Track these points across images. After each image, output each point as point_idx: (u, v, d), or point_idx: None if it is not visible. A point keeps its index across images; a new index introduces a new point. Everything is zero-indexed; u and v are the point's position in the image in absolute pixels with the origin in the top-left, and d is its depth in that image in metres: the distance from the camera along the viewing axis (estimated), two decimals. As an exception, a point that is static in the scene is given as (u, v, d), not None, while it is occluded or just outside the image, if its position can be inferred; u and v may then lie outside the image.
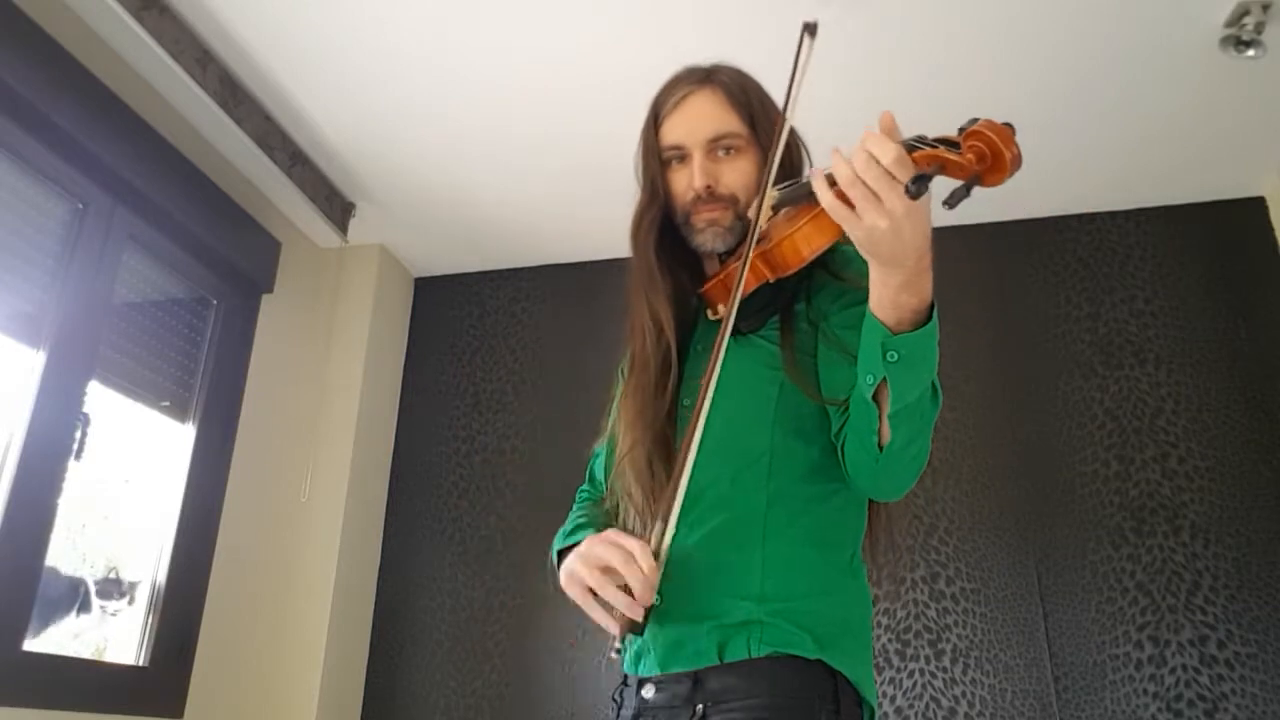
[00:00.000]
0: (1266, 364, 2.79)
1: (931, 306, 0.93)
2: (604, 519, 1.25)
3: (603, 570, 1.02)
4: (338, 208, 3.05)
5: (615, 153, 2.75)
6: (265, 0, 2.27)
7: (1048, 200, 3.02)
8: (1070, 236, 3.06)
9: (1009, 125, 0.86)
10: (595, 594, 1.04)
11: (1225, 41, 2.30)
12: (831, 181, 0.90)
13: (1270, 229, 2.91)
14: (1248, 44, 2.26)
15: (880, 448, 1.00)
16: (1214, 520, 2.66)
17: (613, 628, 1.03)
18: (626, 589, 1.00)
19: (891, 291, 0.91)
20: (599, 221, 3.11)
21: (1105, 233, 3.04)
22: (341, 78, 2.53)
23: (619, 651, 1.04)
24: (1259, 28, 2.23)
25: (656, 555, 1.01)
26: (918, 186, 0.83)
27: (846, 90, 2.49)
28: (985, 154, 0.85)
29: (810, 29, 1.08)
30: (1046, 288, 3.01)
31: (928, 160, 0.87)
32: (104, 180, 2.28)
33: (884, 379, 0.94)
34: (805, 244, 1.05)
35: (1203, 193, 2.98)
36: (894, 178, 0.85)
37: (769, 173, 1.09)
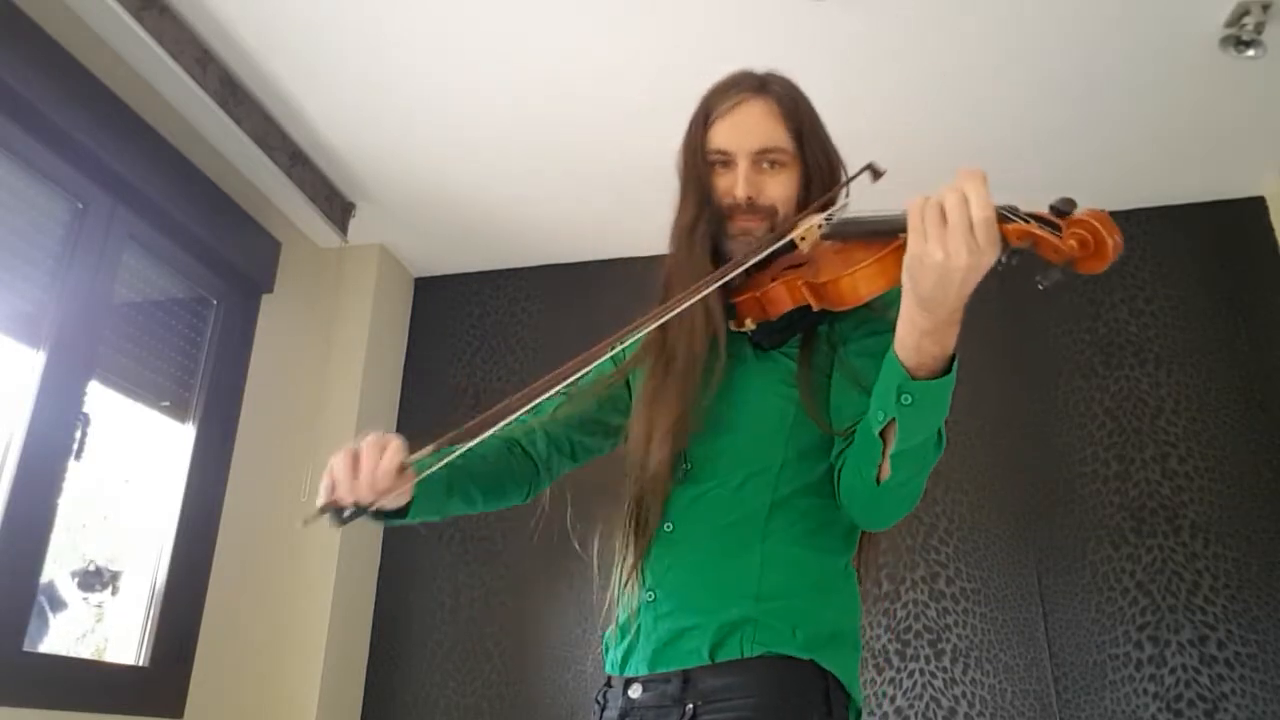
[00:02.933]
0: (1266, 364, 2.79)
1: (953, 358, 0.94)
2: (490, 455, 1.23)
3: (352, 452, 1.02)
4: (338, 208, 3.05)
5: (616, 153, 2.78)
6: (265, 0, 2.27)
7: (1048, 200, 3.01)
8: (1070, 236, 3.05)
9: (1107, 214, 0.85)
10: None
11: (1225, 41, 2.30)
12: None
13: (1270, 229, 2.91)
14: (1248, 44, 2.26)
15: (877, 482, 1.01)
16: (1214, 520, 2.66)
17: (320, 499, 1.02)
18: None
19: (917, 334, 0.92)
20: (599, 221, 3.11)
21: (1105, 233, 3.04)
22: (342, 78, 2.53)
23: (306, 524, 1.03)
24: (1259, 28, 2.23)
25: (420, 468, 1.02)
26: (1010, 261, 0.83)
27: (850, 90, 2.50)
28: (1089, 242, 0.84)
29: (875, 174, 1.12)
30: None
31: (1020, 236, 0.86)
32: (104, 180, 2.28)
33: (893, 419, 0.95)
34: (866, 285, 1.03)
35: (1203, 193, 2.98)
36: (972, 232, 0.85)
37: (823, 200, 1.12)
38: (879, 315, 1.11)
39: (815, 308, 1.10)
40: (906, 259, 0.90)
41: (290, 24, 2.34)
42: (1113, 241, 0.84)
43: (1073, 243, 0.84)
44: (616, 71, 2.46)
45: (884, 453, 0.99)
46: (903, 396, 0.93)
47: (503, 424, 1.04)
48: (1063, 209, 0.87)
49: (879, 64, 2.44)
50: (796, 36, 2.33)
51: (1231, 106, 2.58)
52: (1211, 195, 2.99)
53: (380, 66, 2.48)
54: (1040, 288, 0.83)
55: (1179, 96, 2.55)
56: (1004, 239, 0.86)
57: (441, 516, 1.19)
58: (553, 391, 1.07)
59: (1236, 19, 2.24)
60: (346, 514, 1.02)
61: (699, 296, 1.09)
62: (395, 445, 1.02)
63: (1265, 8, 2.21)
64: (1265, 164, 2.84)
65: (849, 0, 2.22)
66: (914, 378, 0.92)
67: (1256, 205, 2.96)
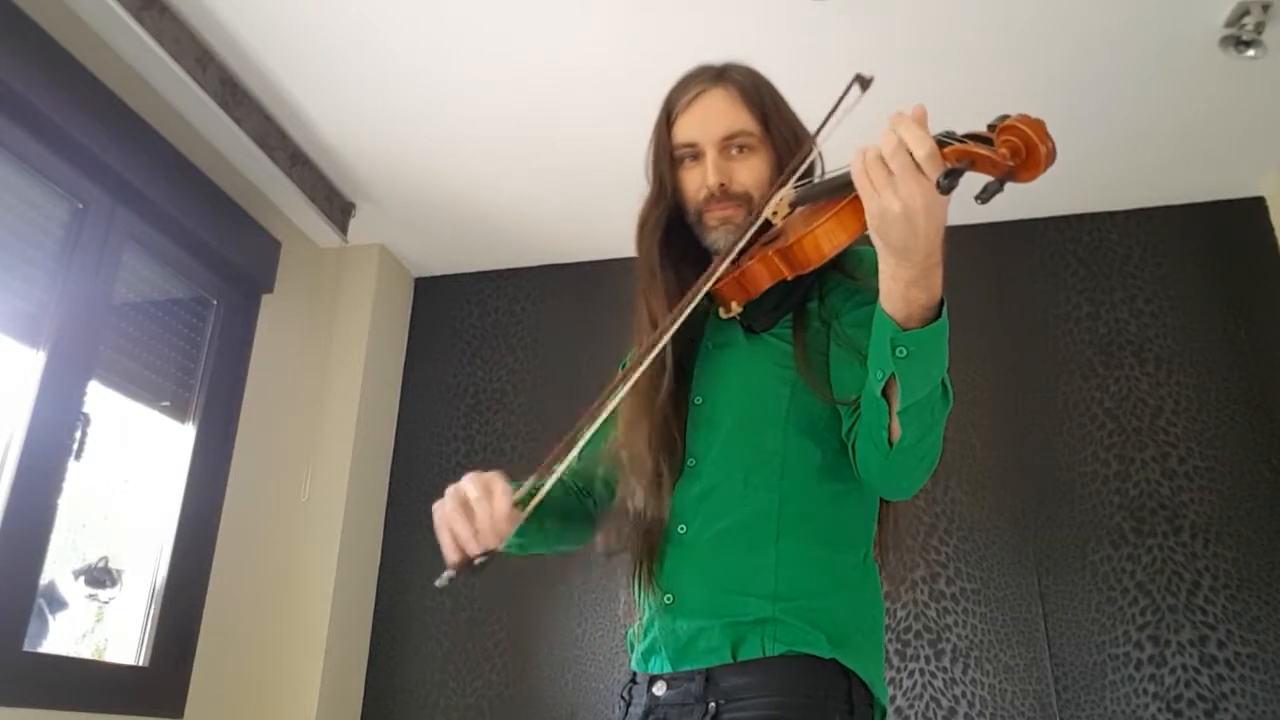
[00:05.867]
0: (1266, 364, 2.79)
1: (941, 303, 0.93)
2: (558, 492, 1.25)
3: (462, 503, 1.03)
4: (338, 208, 3.05)
5: (615, 153, 2.77)
6: (265, 1, 2.27)
7: (1048, 200, 3.02)
8: (1070, 236, 3.06)
9: (1040, 120, 0.85)
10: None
11: (1225, 41, 2.30)
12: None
13: (1270, 229, 2.91)
14: (1248, 44, 2.26)
15: (890, 444, 0.99)
16: (1214, 520, 2.66)
17: (451, 557, 1.03)
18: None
19: (901, 286, 0.91)
20: (599, 221, 3.11)
21: (1105, 233, 3.04)
22: (341, 78, 2.53)
23: (443, 582, 1.02)
24: (1259, 28, 2.23)
25: (523, 504, 1.03)
26: (949, 181, 0.82)
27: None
28: (1020, 149, 0.85)
29: (863, 82, 1.09)
30: (1046, 288, 3.01)
31: (958, 155, 0.87)
32: (104, 180, 2.28)
33: (893, 375, 0.94)
34: (827, 240, 1.04)
35: (1203, 193, 2.98)
36: (920, 170, 0.85)
37: (790, 170, 1.10)
38: (867, 286, 1.10)
39: (789, 275, 1.10)
40: (868, 220, 0.90)
41: (290, 24, 2.34)
42: (1044, 148, 0.84)
43: (1005, 151, 0.85)
44: (617, 71, 2.46)
45: (890, 413, 0.97)
46: (897, 350, 0.92)
47: (571, 456, 1.06)
48: (993, 123, 0.88)
49: (879, 64, 2.42)
50: (798, 36, 2.33)
51: (1231, 106, 2.58)
52: (1211, 195, 2.99)
53: (380, 66, 2.48)
54: (979, 203, 0.83)
55: (1179, 96, 2.55)
56: (944, 162, 0.87)
57: (525, 552, 1.22)
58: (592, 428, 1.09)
59: (1236, 19, 2.24)
60: (478, 563, 1.01)
61: (693, 302, 1.09)
62: (502, 486, 1.03)
63: (1265, 8, 2.21)
64: (1265, 164, 2.84)
65: (850, 1, 2.22)
66: (904, 329, 0.92)
67: (1256, 205, 2.96)
